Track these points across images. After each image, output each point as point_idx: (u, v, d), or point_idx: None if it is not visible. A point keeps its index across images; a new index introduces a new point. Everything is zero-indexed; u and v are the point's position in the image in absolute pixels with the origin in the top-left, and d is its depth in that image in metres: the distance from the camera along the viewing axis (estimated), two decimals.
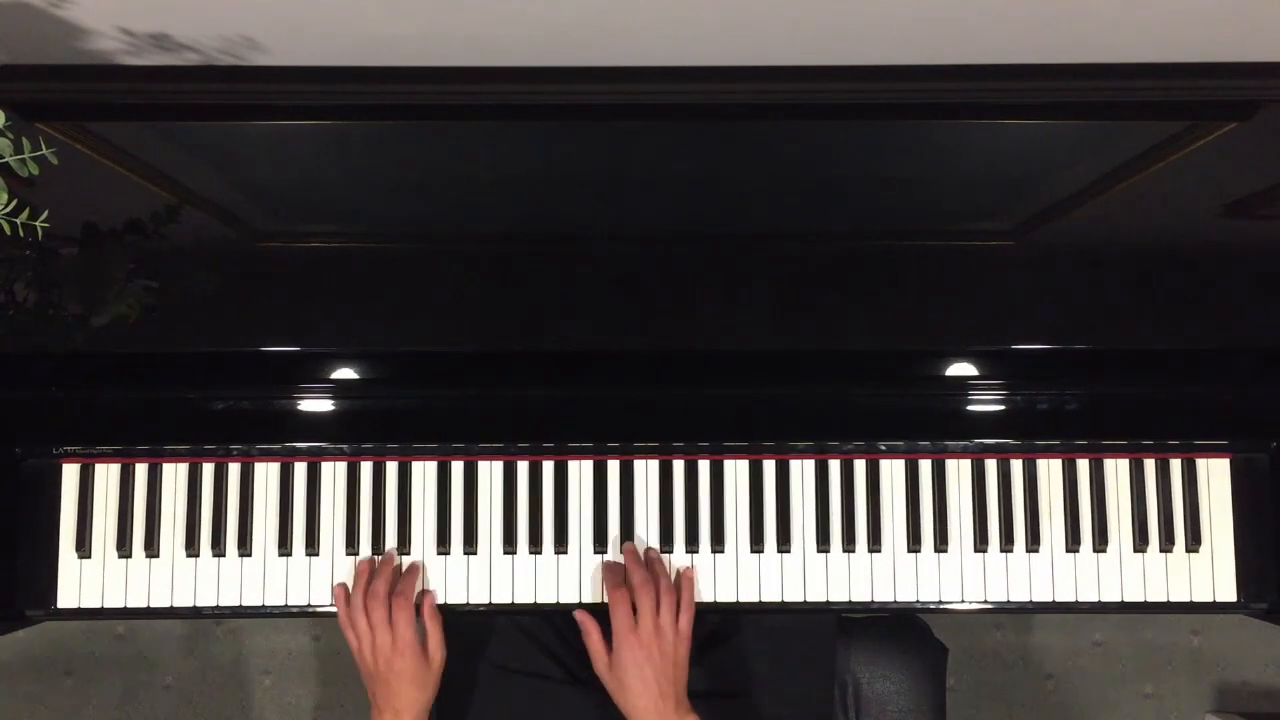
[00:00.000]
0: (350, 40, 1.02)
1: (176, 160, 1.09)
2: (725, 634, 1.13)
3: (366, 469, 1.09)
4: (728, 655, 1.12)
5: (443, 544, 1.08)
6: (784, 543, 1.08)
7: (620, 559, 1.07)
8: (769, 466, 1.09)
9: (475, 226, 1.09)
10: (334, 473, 1.09)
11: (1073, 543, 1.08)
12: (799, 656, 1.13)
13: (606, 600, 1.02)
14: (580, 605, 1.06)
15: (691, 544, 1.08)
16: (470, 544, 1.08)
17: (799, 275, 1.05)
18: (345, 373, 1.04)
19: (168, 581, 1.08)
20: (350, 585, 1.06)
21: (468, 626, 1.14)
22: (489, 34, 1.00)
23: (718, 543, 1.08)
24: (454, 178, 1.11)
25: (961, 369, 1.04)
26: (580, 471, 1.10)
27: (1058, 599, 1.08)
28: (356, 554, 1.08)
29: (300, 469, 1.09)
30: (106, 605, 1.08)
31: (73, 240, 1.02)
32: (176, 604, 1.08)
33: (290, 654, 1.79)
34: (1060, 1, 0.95)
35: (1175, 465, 1.09)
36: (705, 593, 1.08)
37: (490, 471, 1.09)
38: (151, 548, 1.08)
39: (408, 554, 1.08)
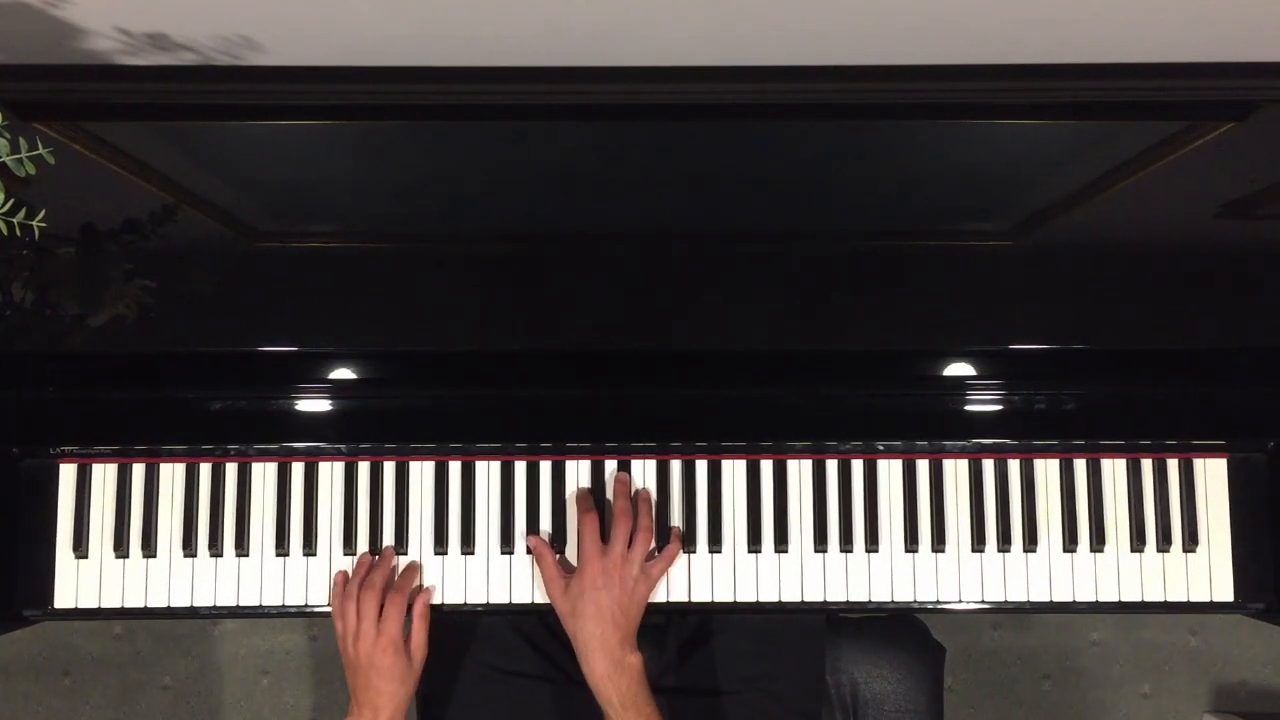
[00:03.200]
0: (349, 40, 1.02)
1: (174, 160, 1.09)
2: (713, 631, 1.13)
3: (364, 469, 1.09)
4: (716, 652, 1.12)
5: (440, 544, 1.08)
6: (782, 543, 1.08)
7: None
8: (766, 466, 1.09)
9: (474, 226, 1.09)
10: (331, 473, 1.09)
11: (1070, 543, 1.08)
12: (787, 654, 1.13)
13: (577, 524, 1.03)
14: None
15: (689, 544, 1.08)
16: (467, 544, 1.08)
17: (797, 275, 1.05)
18: (343, 373, 1.04)
19: (165, 581, 1.08)
20: (350, 575, 1.06)
21: (462, 627, 1.14)
22: (488, 34, 1.00)
23: (715, 543, 1.08)
24: (452, 178, 1.11)
25: (959, 369, 1.04)
26: (578, 471, 1.09)
27: (1055, 599, 1.08)
28: (354, 554, 1.08)
29: (298, 469, 1.09)
30: (104, 605, 1.08)
31: (70, 240, 1.02)
32: (174, 604, 1.08)
33: (288, 654, 1.79)
34: (1060, 1, 0.95)
35: (1172, 465, 1.09)
36: (703, 592, 1.08)
37: (488, 471, 1.09)
38: (149, 548, 1.08)
39: (405, 554, 1.08)
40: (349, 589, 1.03)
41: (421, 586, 1.07)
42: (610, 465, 1.09)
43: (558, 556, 1.05)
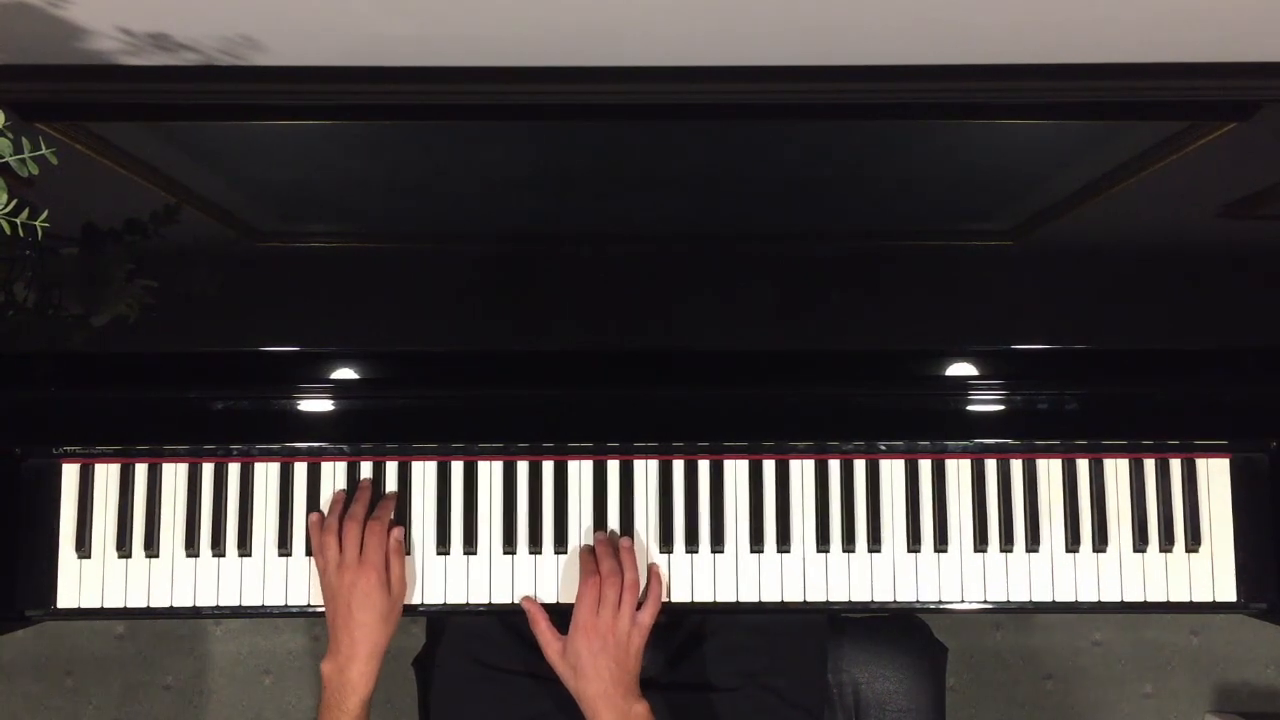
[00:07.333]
0: (350, 40, 1.02)
1: (176, 160, 1.09)
2: (716, 627, 1.13)
3: (366, 469, 1.09)
4: (719, 648, 1.12)
5: (442, 544, 1.08)
6: (784, 543, 1.08)
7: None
8: (769, 466, 1.09)
9: (475, 226, 1.09)
10: (334, 473, 1.09)
11: (1072, 543, 1.08)
12: (790, 650, 1.13)
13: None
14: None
15: (691, 544, 1.08)
16: (470, 544, 1.08)
17: (799, 275, 1.05)
18: (345, 373, 1.04)
19: (167, 581, 1.08)
20: (325, 514, 1.07)
21: (457, 623, 1.14)
22: (488, 34, 1.00)
23: (717, 543, 1.08)
24: (453, 178, 1.11)
25: (961, 369, 1.04)
26: (580, 471, 1.10)
27: (1057, 599, 1.08)
28: None
29: (300, 469, 1.09)
30: (106, 605, 1.08)
31: (72, 240, 1.02)
32: (176, 604, 1.08)
33: (290, 654, 1.79)
34: (1060, 1, 0.95)
35: (1175, 465, 1.09)
36: (705, 593, 1.08)
37: (490, 471, 1.09)
38: (151, 548, 1.08)
39: (408, 554, 1.08)
40: (329, 522, 1.05)
41: (395, 524, 1.08)
42: (613, 466, 1.09)
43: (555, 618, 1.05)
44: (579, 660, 1.00)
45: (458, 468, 1.09)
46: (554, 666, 1.02)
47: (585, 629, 1.00)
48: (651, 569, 1.07)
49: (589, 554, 1.07)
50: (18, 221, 0.83)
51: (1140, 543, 1.08)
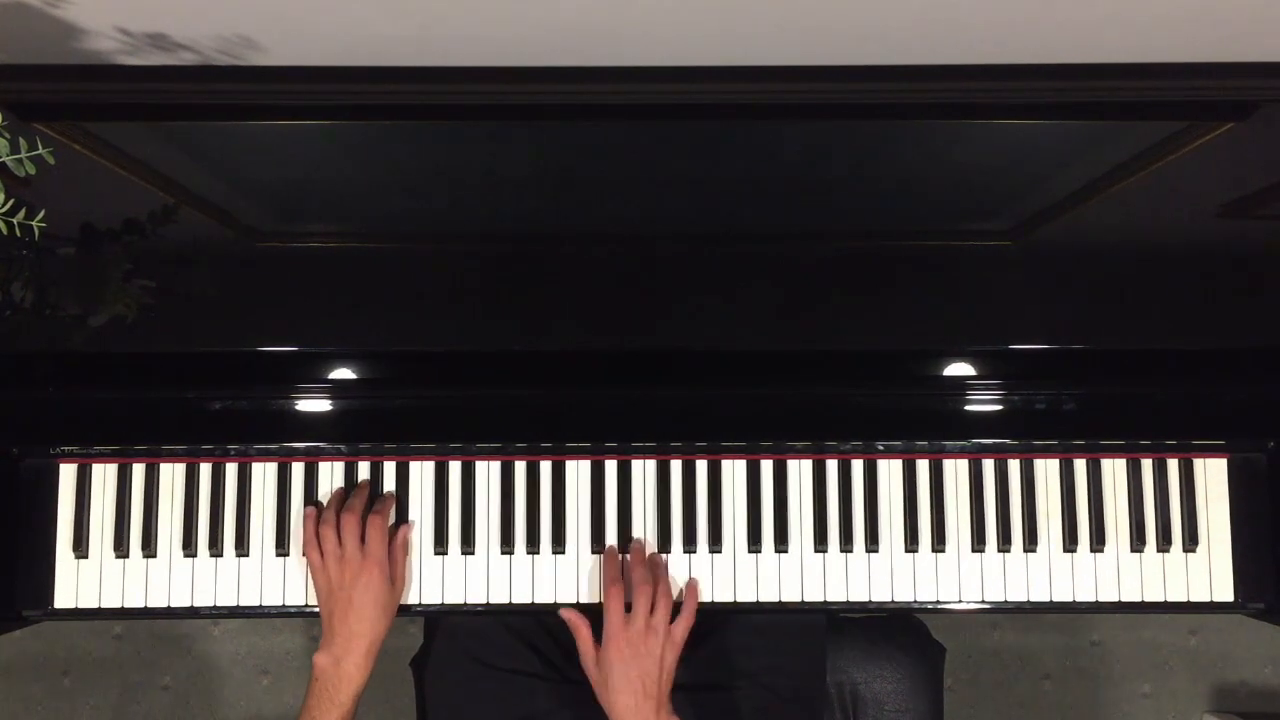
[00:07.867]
0: (349, 40, 1.02)
1: (174, 160, 1.08)
2: (716, 626, 1.13)
3: (364, 469, 1.09)
4: (719, 647, 1.12)
5: (440, 544, 1.08)
6: (782, 543, 1.08)
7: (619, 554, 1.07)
8: (767, 466, 1.09)
9: (473, 226, 1.09)
10: (331, 473, 1.09)
11: (1070, 543, 1.08)
12: (789, 649, 1.13)
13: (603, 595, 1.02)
14: (576, 605, 1.06)
15: (689, 544, 1.08)
16: (468, 544, 1.08)
17: (797, 275, 1.05)
18: (343, 372, 1.04)
19: (165, 581, 1.08)
20: (318, 510, 1.07)
21: (459, 625, 1.14)
22: (488, 34, 1.00)
23: (715, 543, 1.08)
24: (452, 178, 1.11)
25: (959, 369, 1.04)
26: (578, 471, 1.09)
27: (1055, 599, 1.08)
28: None
29: (298, 469, 1.09)
30: (104, 605, 1.08)
31: (70, 240, 1.02)
32: (174, 604, 1.08)
33: (288, 654, 1.79)
34: (1060, 1, 0.95)
35: (1172, 465, 1.09)
36: (704, 593, 1.08)
37: (488, 471, 1.09)
38: (149, 548, 1.08)
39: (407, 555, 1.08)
40: (326, 515, 1.04)
41: (401, 521, 1.08)
42: (610, 466, 1.09)
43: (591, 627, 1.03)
44: (610, 671, 0.98)
45: (455, 468, 1.09)
46: (589, 676, 1.01)
47: (616, 639, 0.99)
48: (687, 582, 1.07)
49: (611, 559, 1.06)
50: (15, 221, 0.83)
51: (1138, 543, 1.08)
